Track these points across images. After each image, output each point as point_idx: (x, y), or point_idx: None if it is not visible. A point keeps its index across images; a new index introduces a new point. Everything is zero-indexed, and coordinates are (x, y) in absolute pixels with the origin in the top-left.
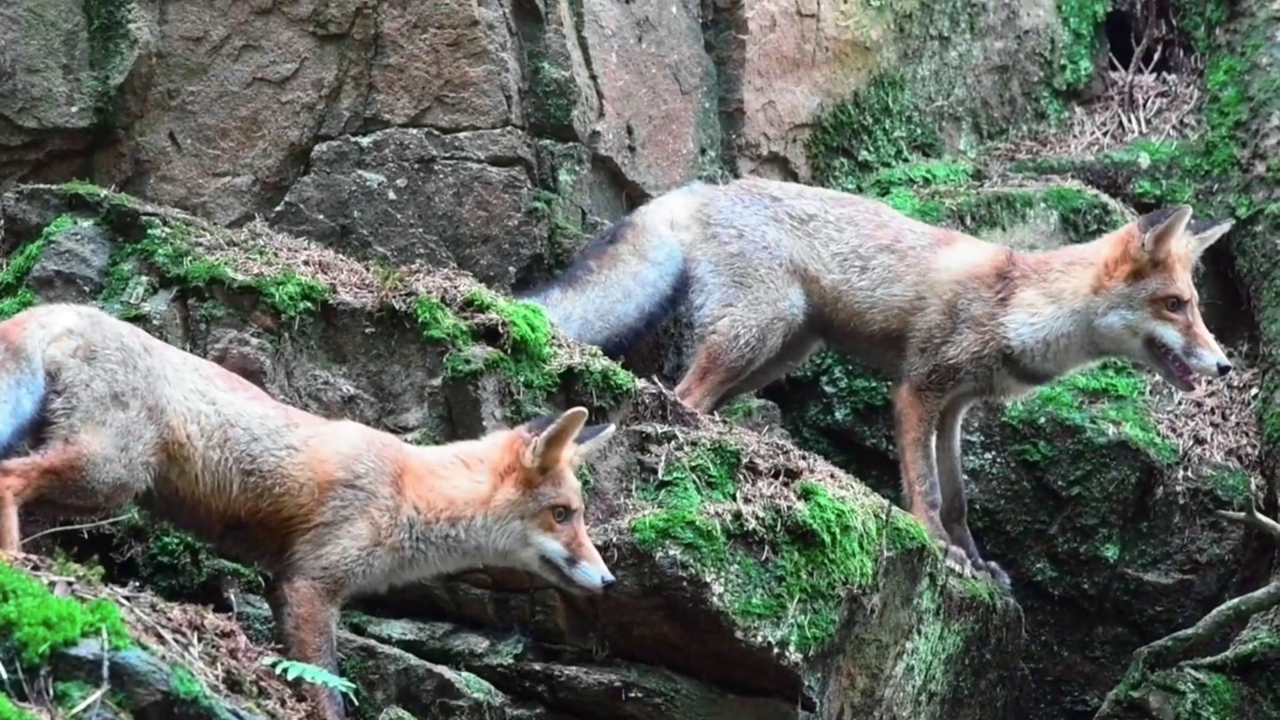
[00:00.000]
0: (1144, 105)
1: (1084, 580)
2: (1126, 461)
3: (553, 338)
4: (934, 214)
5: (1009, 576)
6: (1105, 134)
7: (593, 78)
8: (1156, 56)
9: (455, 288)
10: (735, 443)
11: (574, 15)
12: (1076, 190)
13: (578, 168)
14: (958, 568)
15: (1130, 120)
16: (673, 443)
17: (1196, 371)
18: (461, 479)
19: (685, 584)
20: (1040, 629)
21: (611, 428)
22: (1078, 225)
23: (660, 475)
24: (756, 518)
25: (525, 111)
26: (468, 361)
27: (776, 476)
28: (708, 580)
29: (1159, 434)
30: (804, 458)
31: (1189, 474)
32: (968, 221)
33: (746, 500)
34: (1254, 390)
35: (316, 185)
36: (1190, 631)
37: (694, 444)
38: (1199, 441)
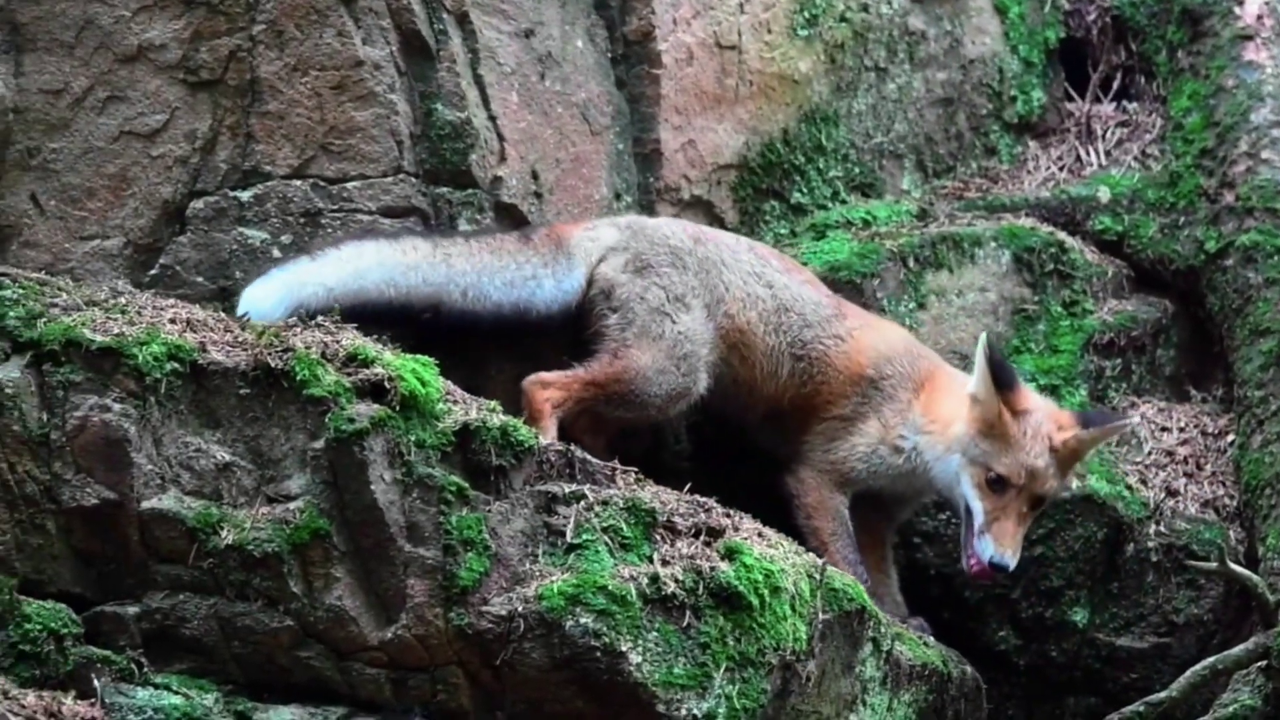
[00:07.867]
0: (1103, 136)
1: (1051, 648)
2: (1093, 517)
3: (447, 393)
4: (874, 257)
5: (969, 647)
6: (1062, 168)
7: (492, 119)
8: (1115, 84)
9: (337, 342)
10: (651, 500)
11: (468, 52)
12: (1030, 228)
13: (479, 216)
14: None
15: (1088, 153)
16: (582, 503)
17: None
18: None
19: (599, 654)
20: (1006, 702)
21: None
22: (1032, 265)
23: (569, 538)
24: (676, 580)
25: (419, 158)
26: (351, 420)
27: (697, 536)
28: (623, 649)
29: (1127, 487)
30: (727, 515)
31: (1161, 529)
32: (910, 264)
33: (664, 562)
34: (1230, 436)
35: (194, 245)
36: (1163, 695)
37: (605, 503)
38: (1171, 493)
